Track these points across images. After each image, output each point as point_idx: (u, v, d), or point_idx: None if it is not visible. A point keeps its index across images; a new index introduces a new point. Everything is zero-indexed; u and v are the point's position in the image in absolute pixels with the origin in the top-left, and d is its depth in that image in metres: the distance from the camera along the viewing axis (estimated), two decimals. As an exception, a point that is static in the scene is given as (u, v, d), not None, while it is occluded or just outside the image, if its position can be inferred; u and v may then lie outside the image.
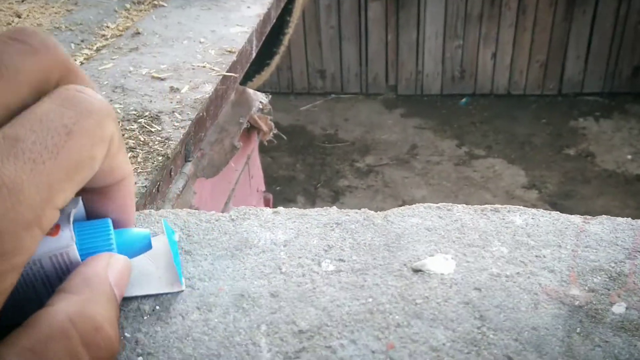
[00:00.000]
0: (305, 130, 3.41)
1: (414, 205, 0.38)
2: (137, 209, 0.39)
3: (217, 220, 0.36)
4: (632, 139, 3.15)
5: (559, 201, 2.78)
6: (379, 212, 0.37)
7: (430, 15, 3.41)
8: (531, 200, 2.79)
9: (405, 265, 0.33)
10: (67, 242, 0.25)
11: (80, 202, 0.28)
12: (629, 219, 0.35)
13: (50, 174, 0.21)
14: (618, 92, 3.47)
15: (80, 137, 0.22)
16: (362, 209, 0.37)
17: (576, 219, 0.35)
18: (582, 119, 3.35)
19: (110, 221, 0.28)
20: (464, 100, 3.56)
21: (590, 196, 2.78)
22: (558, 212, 0.36)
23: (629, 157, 3.03)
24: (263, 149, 2.78)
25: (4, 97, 0.21)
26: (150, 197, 0.59)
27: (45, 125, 0.21)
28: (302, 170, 3.09)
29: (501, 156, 3.10)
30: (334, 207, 0.37)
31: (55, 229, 0.26)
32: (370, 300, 0.31)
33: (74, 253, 0.26)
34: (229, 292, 0.31)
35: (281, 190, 2.91)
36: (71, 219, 0.26)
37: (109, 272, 0.25)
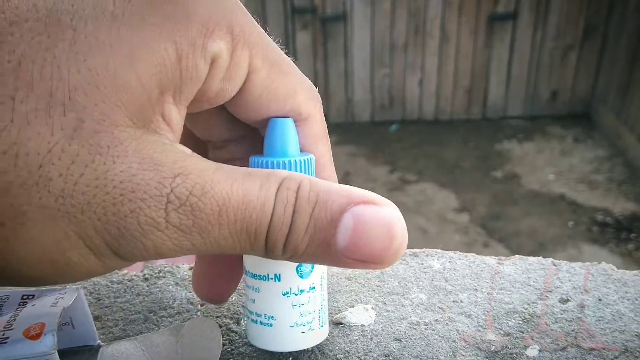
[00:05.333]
0: (238, 161, 3.39)
1: (334, 254, 0.37)
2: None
3: (129, 281, 0.34)
4: (554, 160, 3.30)
5: (489, 223, 2.86)
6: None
7: (357, 44, 3.48)
8: (463, 223, 2.86)
9: (325, 318, 0.33)
10: (47, 348, 0.24)
11: (79, 294, 0.27)
12: (540, 257, 0.36)
13: None
14: (538, 115, 3.63)
15: None
16: (282, 260, 0.37)
17: (491, 260, 0.36)
18: (506, 142, 3.48)
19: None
20: (393, 126, 3.64)
21: (518, 217, 2.87)
22: (474, 255, 0.37)
23: (552, 177, 3.16)
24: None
25: None
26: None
27: None
28: (237, 202, 3.06)
29: (432, 180, 3.17)
30: (254, 259, 0.37)
31: (39, 330, 0.24)
32: (290, 359, 0.30)
33: None
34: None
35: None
36: (58, 320, 0.25)
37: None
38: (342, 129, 3.64)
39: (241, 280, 0.31)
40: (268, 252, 0.22)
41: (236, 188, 0.21)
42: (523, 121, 3.65)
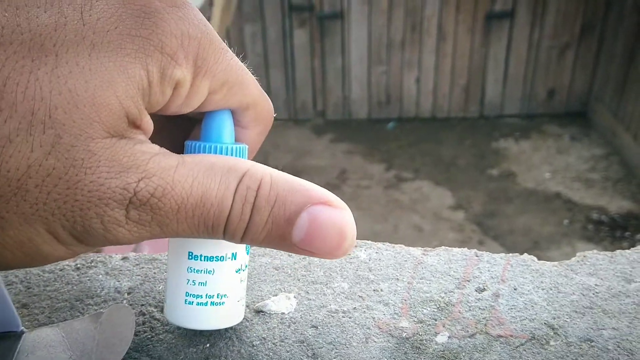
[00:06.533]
0: (235, 158, 3.40)
1: (266, 245, 0.38)
2: None
3: (60, 270, 0.35)
4: (550, 158, 3.30)
5: (485, 220, 2.86)
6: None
7: (355, 41, 3.49)
8: (458, 221, 2.86)
9: (248, 306, 0.33)
10: None
11: None
12: (465, 249, 0.37)
13: None
14: (535, 113, 3.63)
15: None
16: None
17: (416, 251, 0.37)
18: (503, 140, 3.48)
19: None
20: (390, 124, 3.65)
21: (513, 214, 2.88)
22: (402, 246, 0.38)
23: (548, 175, 3.16)
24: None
25: None
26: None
27: None
28: (233, 199, 3.07)
29: (428, 178, 3.18)
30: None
31: None
32: (207, 345, 0.31)
33: None
34: (62, 344, 0.31)
35: (211, 221, 2.87)
36: None
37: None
38: (338, 126, 3.65)
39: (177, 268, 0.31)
40: (227, 239, 0.24)
41: (196, 186, 0.23)
42: (520, 119, 3.65)
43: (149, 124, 0.24)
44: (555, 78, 3.53)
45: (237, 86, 0.26)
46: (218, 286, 0.29)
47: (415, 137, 3.55)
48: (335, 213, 0.24)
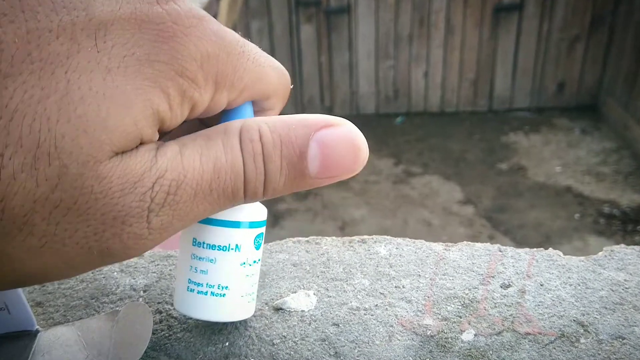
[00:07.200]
0: (243, 155, 3.39)
1: (283, 241, 0.38)
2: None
3: (75, 268, 0.35)
4: (560, 152, 3.27)
5: (494, 215, 2.85)
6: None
7: (362, 36, 3.47)
8: (467, 215, 2.85)
9: (267, 304, 0.33)
10: None
11: None
12: (488, 244, 0.36)
13: None
14: (545, 107, 3.60)
15: None
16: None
17: (438, 246, 0.36)
18: (512, 134, 3.46)
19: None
20: (399, 119, 3.63)
21: (523, 209, 2.86)
22: (422, 241, 0.37)
23: (558, 169, 3.14)
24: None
25: None
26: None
27: None
28: (241, 196, 3.07)
29: (437, 173, 3.16)
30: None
31: None
32: (227, 344, 0.30)
33: None
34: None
35: (220, 217, 2.87)
36: None
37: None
38: (347, 122, 3.63)
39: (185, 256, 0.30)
40: (249, 199, 0.24)
41: (205, 161, 0.22)
42: (529, 113, 3.62)
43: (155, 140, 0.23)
44: (565, 71, 3.50)
45: (257, 84, 0.26)
46: (219, 277, 0.28)
47: (423, 131, 3.53)
48: (340, 130, 0.24)
